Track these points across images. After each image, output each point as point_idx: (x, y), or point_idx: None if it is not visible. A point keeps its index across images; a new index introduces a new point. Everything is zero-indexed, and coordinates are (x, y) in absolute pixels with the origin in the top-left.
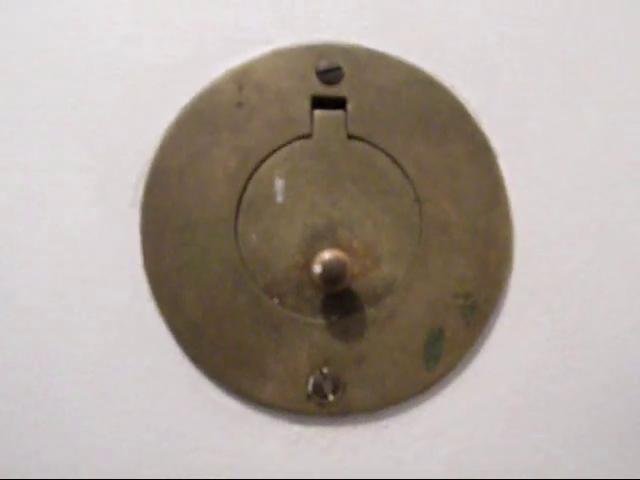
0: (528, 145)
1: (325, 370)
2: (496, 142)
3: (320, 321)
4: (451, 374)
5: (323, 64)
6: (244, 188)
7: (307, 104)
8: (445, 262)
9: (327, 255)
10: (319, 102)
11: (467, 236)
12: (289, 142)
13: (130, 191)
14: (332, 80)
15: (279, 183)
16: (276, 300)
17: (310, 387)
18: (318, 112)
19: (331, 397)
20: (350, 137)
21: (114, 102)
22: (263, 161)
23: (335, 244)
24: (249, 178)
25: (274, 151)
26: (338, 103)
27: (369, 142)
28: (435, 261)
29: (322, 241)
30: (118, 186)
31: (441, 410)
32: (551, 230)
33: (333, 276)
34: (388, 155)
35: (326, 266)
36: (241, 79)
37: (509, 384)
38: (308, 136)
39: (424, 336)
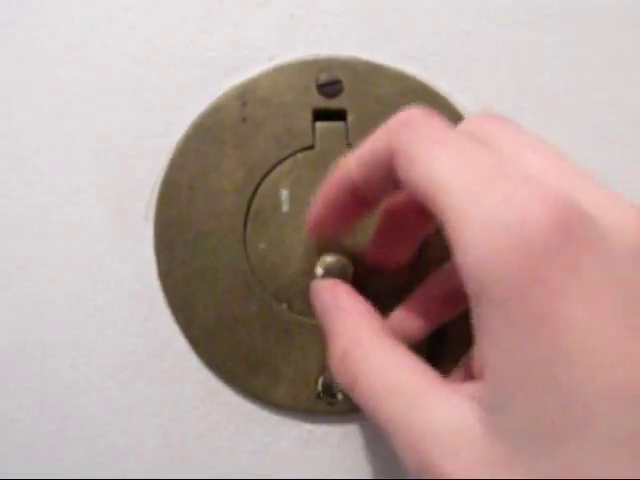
0: None
1: None
2: None
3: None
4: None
5: (323, 78)
6: (251, 199)
7: (309, 117)
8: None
9: (329, 259)
10: (320, 114)
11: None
12: (292, 154)
13: (143, 206)
14: (332, 93)
15: (284, 193)
16: (285, 305)
17: (320, 387)
18: (319, 124)
19: (340, 396)
20: (351, 147)
21: (125, 121)
22: (268, 173)
23: (339, 249)
24: (256, 189)
25: (278, 163)
26: (339, 115)
27: None
28: (436, 267)
29: (327, 247)
30: (132, 201)
31: None
32: None
33: (335, 278)
34: None
35: (328, 269)
36: (245, 95)
37: None
38: (310, 147)
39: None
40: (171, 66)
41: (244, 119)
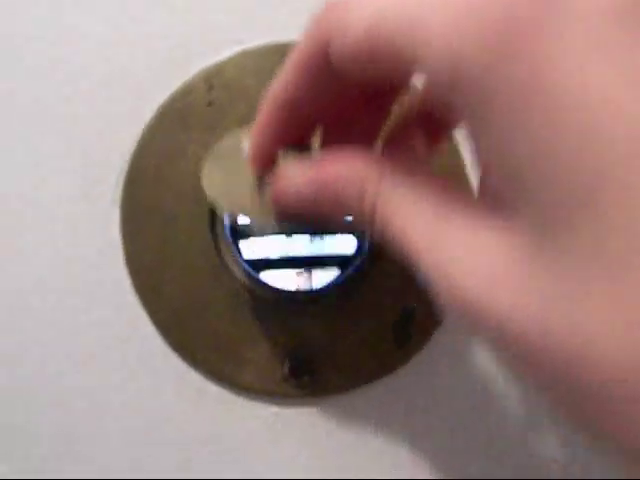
0: None
1: (300, 353)
2: None
3: (295, 306)
4: (421, 352)
5: None
6: None
7: None
8: None
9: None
10: None
11: None
12: None
13: (111, 190)
14: None
15: None
16: (251, 291)
17: (286, 370)
18: None
19: (306, 379)
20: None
21: (92, 105)
22: None
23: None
24: None
25: None
26: None
27: None
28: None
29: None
30: (99, 185)
31: (413, 388)
32: None
33: None
34: None
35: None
36: (211, 79)
37: (480, 358)
38: None
39: (395, 316)
40: (138, 50)
41: (210, 103)
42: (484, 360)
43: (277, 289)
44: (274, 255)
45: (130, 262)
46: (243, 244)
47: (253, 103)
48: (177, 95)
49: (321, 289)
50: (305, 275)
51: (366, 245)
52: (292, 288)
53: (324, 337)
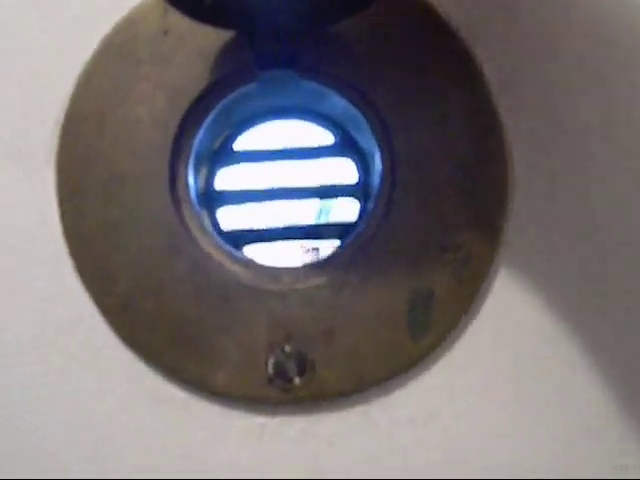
0: (525, 62)
1: (288, 347)
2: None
3: (280, 287)
4: (443, 345)
5: None
6: (179, 131)
7: None
8: (427, 206)
9: None
10: None
11: (452, 173)
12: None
13: (44, 146)
14: None
15: None
16: (223, 261)
17: (271, 369)
18: None
19: (297, 380)
20: None
21: (23, 41)
22: (197, 100)
23: None
24: (183, 120)
25: (208, 87)
26: None
27: None
28: (414, 205)
29: None
30: (30, 141)
31: (432, 390)
32: (559, 164)
33: None
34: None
35: None
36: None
37: (512, 354)
38: None
39: (407, 300)
40: None
41: (165, 32)
42: (518, 351)
43: (258, 266)
44: (259, 226)
45: (68, 234)
46: (221, 212)
47: (220, 31)
48: (125, 23)
49: (312, 265)
50: (311, 251)
51: (372, 208)
52: (277, 264)
53: (318, 326)
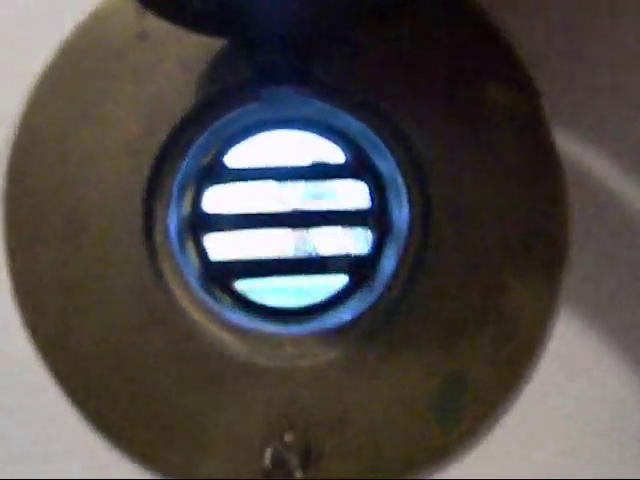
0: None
1: (289, 436)
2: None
3: (281, 363)
4: (478, 435)
5: None
6: (156, 163)
7: None
8: (466, 265)
9: None
10: None
11: (500, 226)
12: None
13: None
14: None
15: None
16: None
17: (268, 461)
18: None
19: (298, 475)
20: None
21: None
22: (182, 123)
23: None
24: (163, 148)
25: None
26: None
27: None
28: (451, 263)
29: None
30: None
31: None
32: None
33: None
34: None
35: None
36: None
37: (557, 450)
38: None
39: (436, 382)
40: None
41: (142, 35)
42: (564, 441)
43: (256, 333)
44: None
45: (17, 285)
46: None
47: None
48: (89, 23)
49: (321, 334)
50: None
51: (394, 265)
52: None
53: (327, 411)
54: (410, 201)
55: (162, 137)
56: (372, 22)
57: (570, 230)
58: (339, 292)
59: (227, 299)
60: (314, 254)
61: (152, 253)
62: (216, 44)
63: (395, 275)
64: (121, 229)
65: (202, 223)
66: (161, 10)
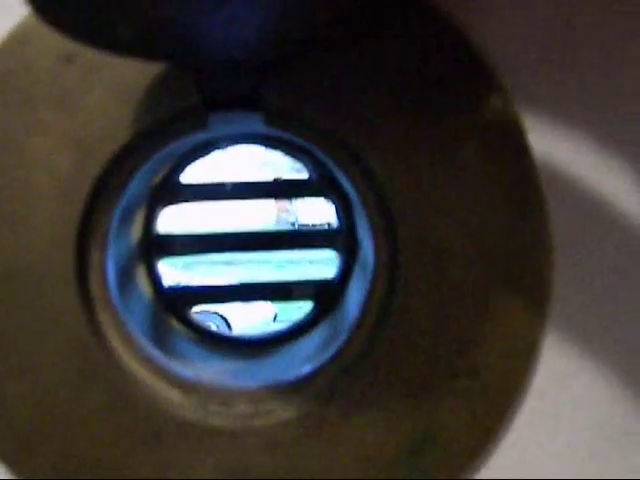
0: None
1: None
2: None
3: (232, 422)
4: None
5: None
6: (88, 207)
7: None
8: (437, 311)
9: None
10: None
11: (476, 266)
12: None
13: None
14: None
15: None
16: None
17: None
18: None
19: None
20: None
21: None
22: (115, 159)
23: None
24: (97, 184)
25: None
26: None
27: None
28: (420, 311)
29: None
30: None
31: None
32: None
33: None
34: None
35: None
36: None
37: None
38: None
39: (405, 441)
40: None
41: (69, 57)
42: None
43: (204, 389)
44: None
45: None
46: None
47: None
48: (9, 44)
49: (277, 390)
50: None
51: (357, 314)
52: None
53: (283, 477)
54: (375, 247)
55: (95, 173)
56: (324, 49)
57: (551, 282)
58: (303, 320)
59: (182, 329)
60: (279, 279)
61: (88, 303)
62: (152, 68)
63: (359, 325)
64: (54, 279)
65: (156, 245)
66: (79, 35)
